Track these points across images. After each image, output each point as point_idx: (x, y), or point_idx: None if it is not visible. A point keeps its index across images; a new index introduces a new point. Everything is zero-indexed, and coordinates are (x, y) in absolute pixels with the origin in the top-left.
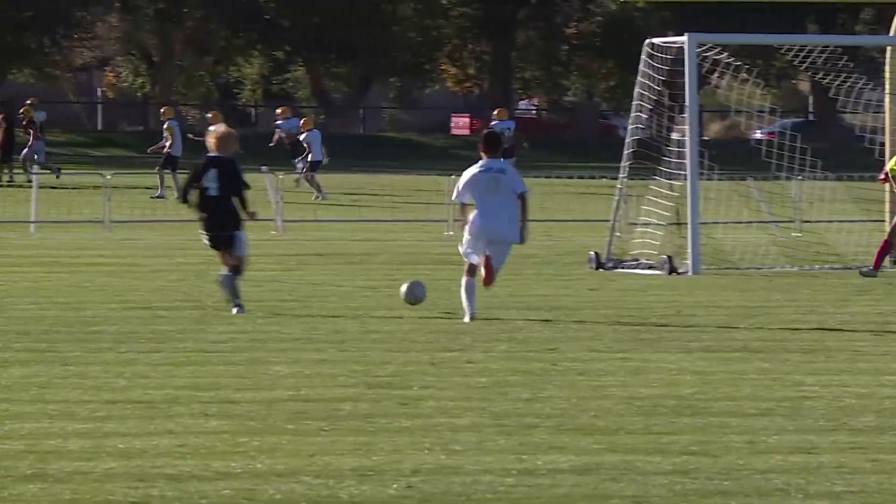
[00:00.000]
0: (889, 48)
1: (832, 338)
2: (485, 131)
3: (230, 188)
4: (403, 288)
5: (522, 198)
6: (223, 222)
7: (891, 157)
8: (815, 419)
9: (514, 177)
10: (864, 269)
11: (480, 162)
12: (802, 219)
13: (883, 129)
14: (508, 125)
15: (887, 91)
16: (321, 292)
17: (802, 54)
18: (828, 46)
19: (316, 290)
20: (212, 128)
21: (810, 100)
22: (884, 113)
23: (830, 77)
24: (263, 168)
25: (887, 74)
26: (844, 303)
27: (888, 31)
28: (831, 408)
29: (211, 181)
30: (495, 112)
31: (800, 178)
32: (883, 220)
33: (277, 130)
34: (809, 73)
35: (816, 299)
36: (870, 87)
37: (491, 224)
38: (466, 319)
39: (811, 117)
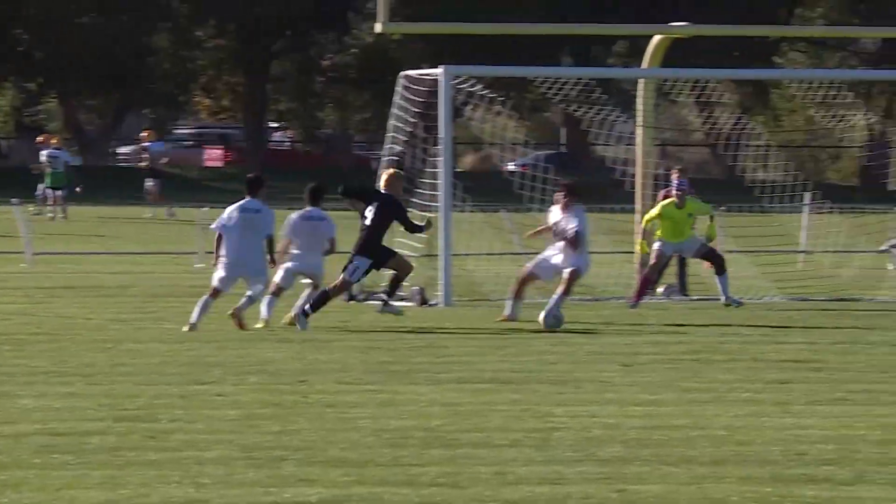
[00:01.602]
0: (641, 80)
1: (581, 369)
2: (248, 175)
3: None
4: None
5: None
6: None
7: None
8: (563, 450)
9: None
10: (631, 303)
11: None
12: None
13: (634, 160)
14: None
15: (639, 123)
16: (71, 325)
17: (556, 86)
18: (581, 79)
19: (65, 323)
20: None
21: (563, 132)
22: (635, 145)
23: (583, 109)
24: (14, 200)
25: (639, 107)
26: (594, 334)
27: (640, 64)
28: (579, 438)
29: None
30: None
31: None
32: (633, 252)
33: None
34: (563, 106)
35: (567, 330)
36: (622, 119)
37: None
38: (185, 328)
39: (564, 149)
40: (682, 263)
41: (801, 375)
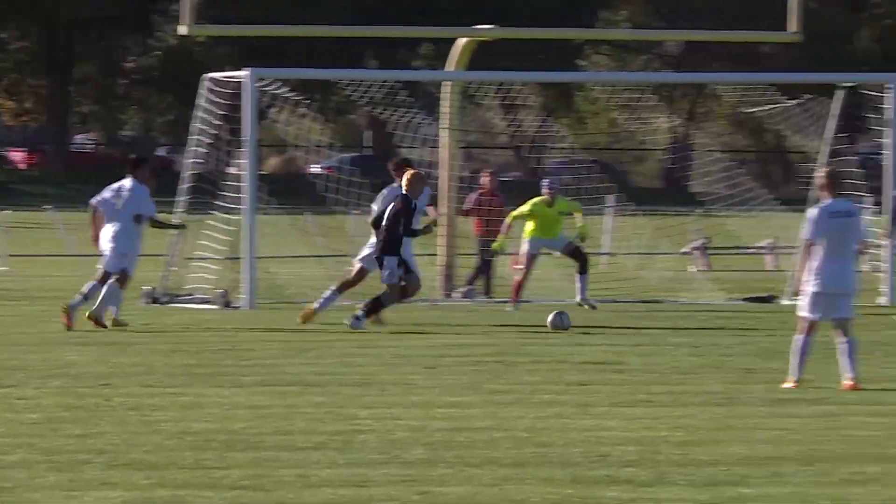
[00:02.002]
0: (446, 83)
1: (386, 371)
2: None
3: None
4: (550, 317)
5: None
6: None
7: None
8: (367, 452)
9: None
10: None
11: None
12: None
13: (439, 163)
14: None
15: (444, 126)
16: None
17: (361, 89)
18: (386, 81)
19: None
20: None
21: (368, 134)
22: (440, 147)
23: (388, 112)
24: None
25: (444, 109)
26: (399, 337)
27: (445, 66)
28: (383, 441)
29: None
30: None
31: (357, 212)
32: (435, 255)
33: None
34: (368, 108)
35: (372, 333)
36: (427, 121)
37: None
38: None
39: (369, 152)
40: (488, 266)
41: (604, 377)
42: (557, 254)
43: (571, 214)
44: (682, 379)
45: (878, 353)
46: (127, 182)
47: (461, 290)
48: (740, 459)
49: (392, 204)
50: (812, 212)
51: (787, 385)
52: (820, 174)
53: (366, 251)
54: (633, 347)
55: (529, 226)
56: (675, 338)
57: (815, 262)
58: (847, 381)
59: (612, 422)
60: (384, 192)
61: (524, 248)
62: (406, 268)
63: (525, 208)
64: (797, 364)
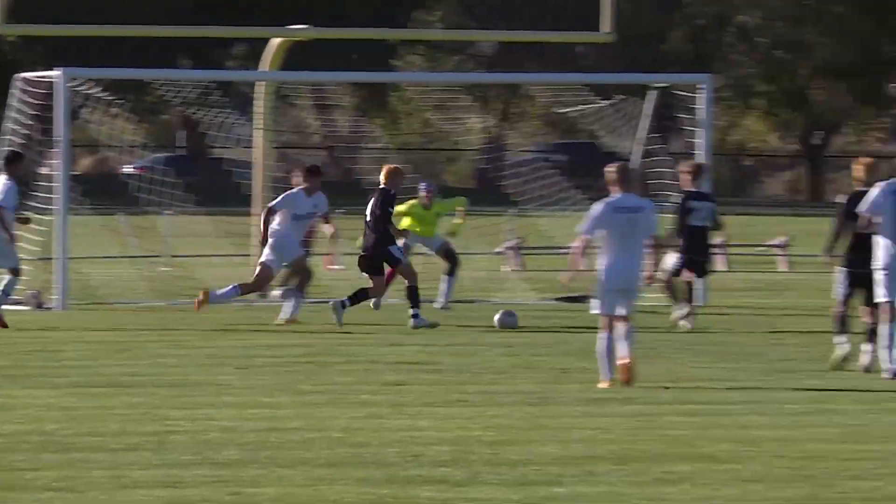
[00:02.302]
0: (260, 83)
1: (198, 372)
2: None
3: None
4: (498, 316)
5: None
6: None
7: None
8: (180, 453)
9: None
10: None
11: None
12: (172, 253)
13: (252, 163)
14: None
15: (257, 126)
16: None
17: (174, 89)
18: (201, 81)
19: None
20: None
21: (181, 134)
22: (254, 147)
23: (202, 112)
24: None
25: (258, 109)
26: (211, 337)
27: (259, 66)
28: (196, 441)
29: None
30: None
31: (170, 212)
32: (249, 255)
33: None
34: (181, 108)
35: (184, 334)
36: (241, 121)
37: None
38: None
39: (182, 152)
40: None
41: (418, 377)
42: (432, 253)
43: (452, 214)
44: (496, 379)
45: (687, 352)
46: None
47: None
48: (553, 459)
49: (373, 200)
50: (596, 207)
51: (602, 385)
52: (610, 169)
53: (268, 253)
54: (446, 347)
55: (405, 222)
56: (489, 338)
57: (604, 258)
58: (621, 361)
59: (426, 422)
60: (282, 197)
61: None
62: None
63: (402, 208)
64: (605, 364)
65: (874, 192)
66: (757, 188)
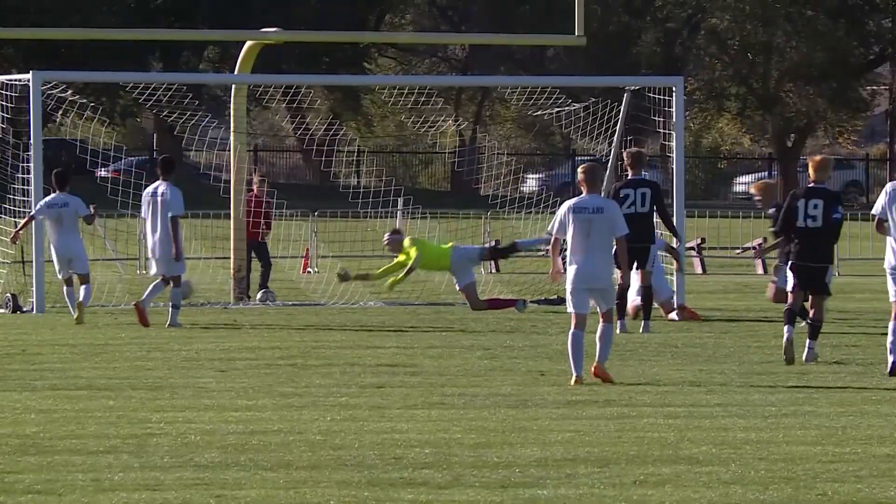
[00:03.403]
0: (233, 86)
1: (177, 375)
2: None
3: None
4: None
5: None
6: None
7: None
8: (161, 456)
9: None
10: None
11: None
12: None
13: (226, 166)
14: None
15: (232, 129)
16: None
17: (148, 92)
18: (173, 84)
19: None
20: None
21: (154, 137)
22: (228, 150)
23: (175, 115)
24: None
25: (232, 112)
26: (189, 339)
27: (232, 70)
28: (176, 444)
29: None
30: None
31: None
32: (228, 258)
33: None
34: (154, 111)
35: (162, 336)
36: (214, 124)
37: None
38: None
39: (156, 155)
40: (266, 266)
41: (397, 380)
42: None
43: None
44: (475, 381)
45: (667, 354)
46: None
47: (259, 294)
48: (534, 461)
49: None
50: (561, 208)
51: (572, 382)
52: (579, 170)
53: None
54: (425, 350)
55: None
56: (467, 340)
57: (571, 257)
58: (592, 366)
59: (407, 424)
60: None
61: None
62: None
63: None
64: (574, 361)
65: (882, 195)
66: (730, 191)
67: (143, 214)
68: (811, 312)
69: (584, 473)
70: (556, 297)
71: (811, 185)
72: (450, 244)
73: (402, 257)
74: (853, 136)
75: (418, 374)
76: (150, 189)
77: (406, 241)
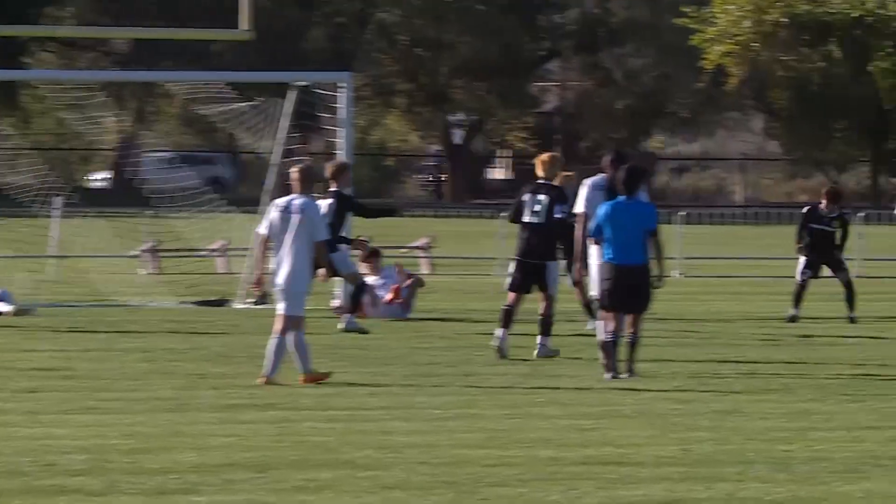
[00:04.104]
0: None
1: None
2: None
3: None
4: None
5: None
6: None
7: None
8: None
9: None
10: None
11: None
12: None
13: None
14: None
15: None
16: None
17: None
18: None
19: None
20: None
21: None
22: None
23: None
24: None
25: None
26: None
27: None
28: None
29: None
30: None
31: None
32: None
33: None
34: None
35: None
36: None
37: None
38: None
39: None
40: None
41: (52, 384)
42: None
43: None
44: (133, 385)
45: (327, 356)
46: None
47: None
48: (192, 467)
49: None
50: (269, 207)
51: (259, 381)
52: (293, 170)
53: None
54: (82, 353)
55: None
56: (125, 342)
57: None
58: (300, 376)
59: (62, 430)
60: None
61: None
62: None
63: None
64: (269, 362)
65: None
66: (396, 188)
67: None
68: (541, 308)
69: (242, 479)
70: (218, 298)
71: (539, 181)
72: None
73: None
74: (522, 133)
75: (74, 377)
76: None
77: None
